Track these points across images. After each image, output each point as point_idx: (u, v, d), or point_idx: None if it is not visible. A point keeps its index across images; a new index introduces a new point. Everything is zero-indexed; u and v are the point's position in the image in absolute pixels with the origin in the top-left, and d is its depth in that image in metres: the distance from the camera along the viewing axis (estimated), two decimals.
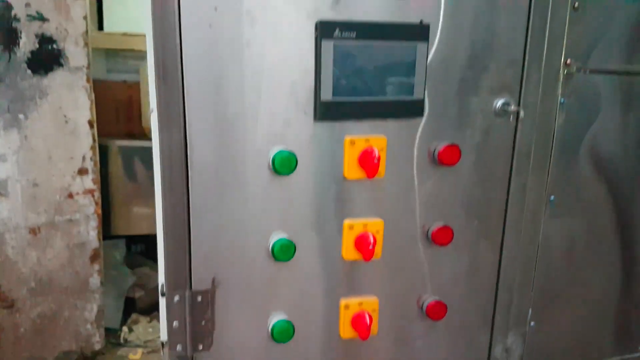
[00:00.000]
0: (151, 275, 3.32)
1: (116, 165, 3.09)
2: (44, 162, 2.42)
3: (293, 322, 0.78)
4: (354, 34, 0.69)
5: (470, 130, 0.79)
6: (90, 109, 2.45)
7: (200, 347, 0.75)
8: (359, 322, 0.81)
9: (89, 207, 2.54)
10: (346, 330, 0.82)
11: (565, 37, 0.82)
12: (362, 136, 0.74)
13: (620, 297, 0.98)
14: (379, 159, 0.73)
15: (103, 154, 2.85)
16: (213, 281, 0.74)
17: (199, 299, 0.74)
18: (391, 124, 0.76)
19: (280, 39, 0.69)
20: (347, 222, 0.78)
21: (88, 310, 2.68)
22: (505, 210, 0.84)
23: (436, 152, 0.78)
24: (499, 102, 0.80)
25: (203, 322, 0.75)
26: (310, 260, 0.78)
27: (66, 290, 2.63)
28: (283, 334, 0.77)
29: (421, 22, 0.72)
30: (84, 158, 2.49)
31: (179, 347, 0.74)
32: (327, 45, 0.68)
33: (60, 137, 2.42)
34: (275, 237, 0.75)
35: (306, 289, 0.79)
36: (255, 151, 0.71)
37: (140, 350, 2.96)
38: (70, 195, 2.51)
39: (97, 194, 2.54)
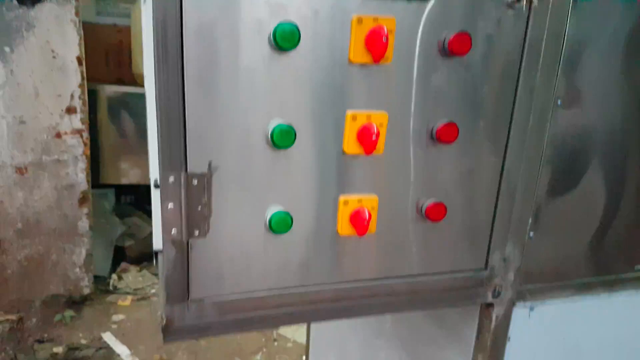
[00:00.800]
0: (141, 225, 3.30)
1: (105, 111, 3.03)
2: (31, 99, 2.36)
3: (291, 214, 0.76)
4: None
5: (481, 20, 0.76)
6: (79, 44, 2.38)
7: (196, 232, 0.73)
8: (357, 218, 0.79)
9: (78, 148, 2.50)
10: (344, 227, 0.80)
11: None
12: (371, 15, 0.70)
13: (623, 211, 0.97)
14: (387, 39, 0.69)
15: (91, 99, 2.78)
16: (209, 165, 0.72)
17: (195, 182, 0.71)
18: (400, 6, 0.72)
19: None
20: (349, 112, 0.75)
21: (77, 254, 2.67)
22: (512, 111, 0.82)
23: (446, 41, 0.75)
24: None
25: (199, 208, 0.72)
26: (310, 151, 0.76)
27: (54, 232, 2.61)
28: (281, 224, 0.75)
29: None
30: (72, 96, 2.43)
31: (174, 231, 0.72)
32: None
33: (48, 73, 2.36)
34: (275, 122, 0.72)
35: (305, 182, 0.77)
36: (256, 21, 0.67)
37: (129, 297, 2.96)
38: (58, 135, 2.46)
39: (85, 135, 2.50)
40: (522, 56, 0.80)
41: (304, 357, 2.54)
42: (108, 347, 2.47)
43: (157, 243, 0.93)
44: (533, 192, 0.89)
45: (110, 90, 2.96)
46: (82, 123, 2.45)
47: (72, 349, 2.39)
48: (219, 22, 0.67)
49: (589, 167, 0.92)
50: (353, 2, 0.70)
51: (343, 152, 0.77)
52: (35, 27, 2.24)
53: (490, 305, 0.94)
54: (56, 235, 2.57)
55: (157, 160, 0.74)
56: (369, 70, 0.74)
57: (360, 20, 0.70)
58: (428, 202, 0.83)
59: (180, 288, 0.75)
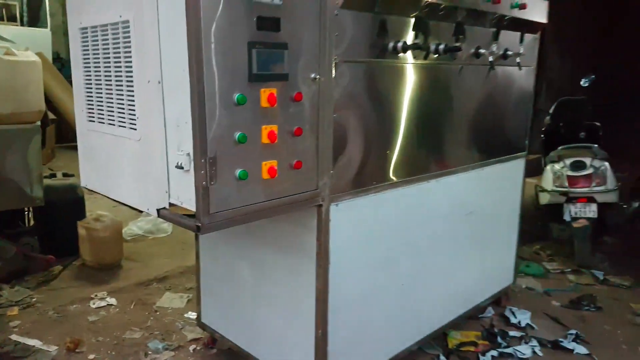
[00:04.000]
0: (5, 248, 3.70)
1: None
2: None
3: (247, 171, 1.83)
4: None
5: (304, 86, 1.95)
6: None
7: (212, 182, 1.75)
8: (270, 170, 1.91)
9: None
10: (265, 174, 1.90)
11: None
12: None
13: (369, 152, 2.29)
14: (275, 99, 1.83)
15: None
16: (215, 153, 1.74)
17: (211, 160, 1.73)
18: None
19: None
20: (263, 127, 1.86)
21: None
22: (317, 119, 2.04)
23: (294, 95, 1.92)
24: (312, 74, 1.97)
25: (213, 170, 1.74)
26: (251, 148, 1.84)
27: None
28: (243, 176, 1.82)
29: None
30: None
31: (203, 183, 1.72)
32: None
33: None
34: (238, 133, 1.79)
35: (250, 158, 1.85)
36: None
37: (15, 308, 3.43)
38: None
39: None
40: (318, 98, 2.03)
41: (186, 314, 3.43)
42: (22, 343, 2.96)
43: (161, 203, 1.89)
44: (330, 150, 2.12)
45: None
46: None
47: None
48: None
49: (354, 134, 2.21)
50: None
51: (262, 144, 1.87)
52: None
53: (320, 206, 2.15)
54: None
55: (196, 149, 1.73)
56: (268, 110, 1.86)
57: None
58: (294, 161, 1.99)
59: (205, 208, 1.75)
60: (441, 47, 2.44)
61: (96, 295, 3.61)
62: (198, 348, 3.06)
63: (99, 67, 2.17)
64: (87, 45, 2.24)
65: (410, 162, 2.59)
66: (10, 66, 3.59)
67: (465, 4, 2.52)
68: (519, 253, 4.63)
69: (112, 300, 3.58)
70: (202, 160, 1.72)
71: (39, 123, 3.81)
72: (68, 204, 4.08)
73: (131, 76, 1.97)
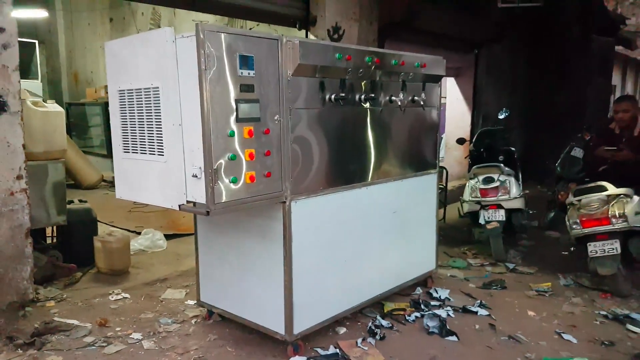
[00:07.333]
0: (39, 257, 4.66)
1: None
2: None
3: (236, 177, 2.95)
4: None
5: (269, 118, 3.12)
6: (23, 137, 3.94)
7: (215, 184, 2.85)
8: (251, 178, 3.04)
9: (24, 200, 4.01)
10: (247, 178, 3.03)
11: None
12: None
13: (325, 167, 3.44)
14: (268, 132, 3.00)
15: None
16: (217, 166, 2.86)
17: (214, 171, 2.84)
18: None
19: None
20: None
21: (24, 271, 4.08)
22: (280, 143, 3.19)
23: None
24: (276, 116, 3.14)
25: (216, 177, 2.85)
26: (237, 164, 2.97)
27: (10, 258, 3.99)
28: (234, 181, 2.94)
29: None
30: (20, 168, 3.96)
31: (211, 185, 2.83)
32: None
33: (4, 156, 3.84)
34: (228, 154, 2.92)
35: (238, 172, 2.97)
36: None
37: (52, 301, 4.40)
38: (12, 193, 3.93)
39: (29, 192, 4.02)
40: (280, 132, 3.18)
41: (186, 302, 4.43)
42: (64, 323, 3.91)
43: (181, 201, 3.01)
44: (289, 161, 3.25)
45: None
46: (26, 184, 3.90)
47: (46, 323, 3.79)
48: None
49: (307, 155, 3.36)
50: None
51: (245, 161, 3.00)
52: None
53: (284, 202, 3.27)
54: (11, 260, 3.89)
55: (197, 167, 2.85)
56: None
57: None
58: (266, 172, 3.12)
59: (212, 200, 2.85)
60: (362, 97, 3.66)
61: (113, 292, 4.59)
62: (198, 321, 4.08)
63: (134, 116, 3.28)
64: (124, 102, 3.36)
65: (347, 175, 3.76)
66: (43, 115, 4.66)
67: (379, 67, 3.75)
68: (445, 251, 5.86)
69: (126, 295, 4.55)
70: (210, 171, 2.83)
71: (63, 159, 4.85)
72: (85, 223, 5.08)
73: (160, 121, 3.08)
